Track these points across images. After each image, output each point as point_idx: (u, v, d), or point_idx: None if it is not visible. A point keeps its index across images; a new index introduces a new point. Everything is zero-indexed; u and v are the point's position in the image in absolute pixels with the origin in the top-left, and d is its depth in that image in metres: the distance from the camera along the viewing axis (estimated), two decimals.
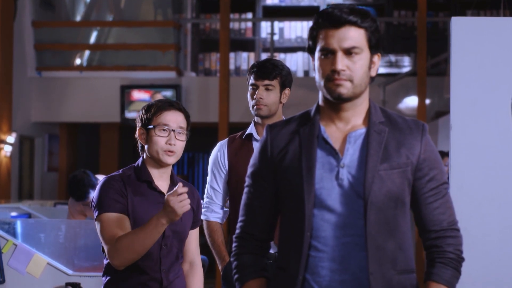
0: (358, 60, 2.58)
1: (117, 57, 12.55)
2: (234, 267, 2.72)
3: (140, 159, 3.60)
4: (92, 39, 13.02)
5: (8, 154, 11.48)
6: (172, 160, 3.53)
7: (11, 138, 11.42)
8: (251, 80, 4.23)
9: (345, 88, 2.57)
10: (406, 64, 12.82)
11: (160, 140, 3.49)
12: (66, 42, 12.65)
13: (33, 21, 12.36)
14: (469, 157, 3.93)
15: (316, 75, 2.63)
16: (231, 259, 2.74)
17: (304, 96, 10.38)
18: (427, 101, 11.01)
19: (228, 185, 4.30)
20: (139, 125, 3.56)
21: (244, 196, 2.76)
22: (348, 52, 2.57)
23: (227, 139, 4.36)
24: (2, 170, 11.37)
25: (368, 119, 2.65)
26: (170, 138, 3.50)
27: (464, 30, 3.96)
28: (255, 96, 4.20)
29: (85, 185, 6.14)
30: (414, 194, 2.65)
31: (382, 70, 12.71)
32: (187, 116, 3.60)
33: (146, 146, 3.55)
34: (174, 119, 3.53)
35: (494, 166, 3.92)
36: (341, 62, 2.56)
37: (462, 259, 2.66)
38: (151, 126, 3.50)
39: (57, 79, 12.25)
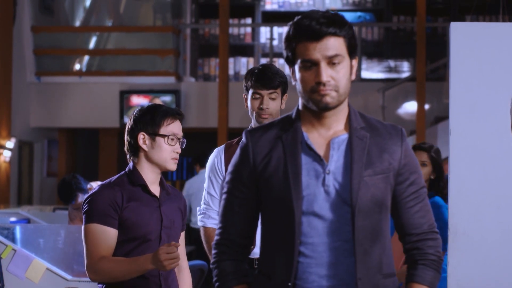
0: (341, 69, 2.59)
1: (116, 62, 12.55)
2: (215, 275, 2.69)
3: (131, 164, 3.62)
4: (92, 44, 13.02)
5: (7, 159, 11.47)
6: (175, 166, 3.65)
7: (10, 143, 11.42)
8: (254, 89, 4.20)
9: (331, 98, 2.58)
10: (405, 69, 12.83)
11: (170, 148, 3.58)
12: (65, 47, 12.65)
13: (32, 26, 12.37)
14: (468, 162, 3.93)
15: (298, 86, 2.62)
16: (211, 267, 2.72)
17: None
18: (426, 106, 11.01)
19: None
20: (141, 129, 3.57)
21: (223, 202, 2.73)
22: (331, 62, 2.58)
23: (223, 145, 4.34)
24: (1, 175, 11.36)
25: (349, 125, 2.65)
26: (177, 147, 3.60)
27: (464, 35, 3.96)
28: (262, 106, 4.18)
29: (73, 188, 6.19)
30: (394, 198, 2.67)
31: (381, 75, 12.71)
32: None
33: (146, 151, 3.57)
34: (179, 128, 3.63)
35: (493, 171, 3.92)
36: (325, 73, 2.56)
37: (442, 261, 2.71)
38: (162, 135, 3.56)
39: (56, 84, 12.25)
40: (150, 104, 3.70)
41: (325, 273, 2.59)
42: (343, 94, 2.60)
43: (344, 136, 2.64)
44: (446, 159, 7.56)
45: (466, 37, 3.96)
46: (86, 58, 12.89)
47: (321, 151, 2.62)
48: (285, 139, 2.65)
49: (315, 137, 2.64)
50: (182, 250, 3.75)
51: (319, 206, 2.59)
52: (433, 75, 12.23)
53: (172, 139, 3.58)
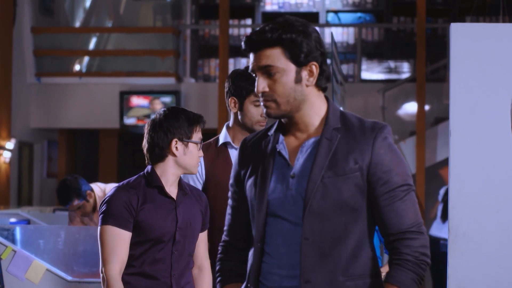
0: (279, 78, 2.63)
1: (116, 63, 12.55)
2: (217, 271, 2.85)
3: (150, 167, 3.67)
4: (91, 45, 13.03)
5: (7, 160, 11.47)
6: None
7: (10, 144, 11.42)
8: (256, 96, 4.15)
9: (271, 109, 2.66)
10: (405, 70, 12.83)
11: (198, 154, 3.71)
12: (65, 48, 12.65)
13: (32, 27, 12.37)
14: (468, 163, 3.93)
15: None
16: (216, 263, 2.88)
17: None
18: (427, 107, 11.01)
19: (206, 194, 4.21)
20: (175, 135, 3.66)
21: (228, 206, 2.88)
22: (267, 72, 2.63)
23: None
24: (1, 176, 11.36)
25: (323, 126, 2.68)
26: (201, 152, 3.75)
27: (464, 36, 3.96)
28: (264, 115, 4.14)
29: (70, 192, 6.15)
30: (372, 198, 2.65)
31: (381, 76, 12.71)
32: None
33: (177, 157, 3.66)
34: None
35: (493, 172, 3.92)
36: (261, 84, 2.64)
37: (423, 261, 2.64)
38: (195, 142, 3.68)
39: (56, 85, 12.25)
40: (174, 108, 3.75)
41: (286, 274, 2.63)
42: (284, 104, 2.65)
43: (316, 138, 2.67)
44: (446, 160, 7.57)
45: (466, 38, 3.95)
46: (86, 59, 12.90)
47: (292, 155, 2.69)
48: (263, 146, 2.75)
49: (291, 141, 2.71)
50: (203, 250, 3.78)
51: (283, 210, 2.65)
52: (433, 76, 12.23)
53: (197, 144, 3.70)
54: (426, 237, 2.69)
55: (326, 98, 2.75)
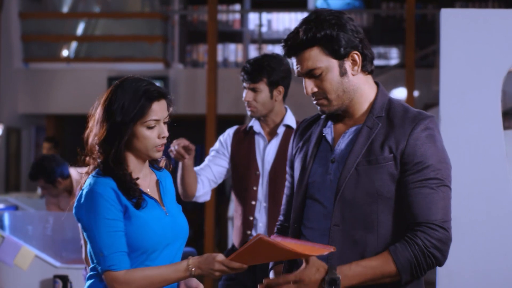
0: (325, 76, 2.65)
1: (104, 49, 12.50)
2: None
3: None
4: (79, 30, 12.96)
5: None
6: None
7: None
8: (242, 82, 4.30)
9: (324, 106, 2.69)
10: (394, 56, 12.81)
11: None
12: (53, 33, 12.59)
13: (20, 12, 12.29)
14: (458, 149, 3.92)
15: None
16: None
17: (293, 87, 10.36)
18: (416, 93, 11.01)
19: (232, 177, 4.40)
20: None
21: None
22: (312, 75, 2.65)
23: (236, 127, 4.45)
24: None
25: (368, 114, 2.70)
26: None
27: (454, 22, 3.95)
28: (243, 99, 4.26)
29: (40, 170, 6.01)
30: (400, 187, 2.63)
31: None
32: None
33: None
34: None
35: (483, 158, 3.92)
36: (309, 86, 2.67)
37: (431, 254, 2.57)
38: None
39: (44, 71, 12.19)
40: None
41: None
42: (336, 99, 2.67)
43: (359, 125, 2.70)
44: None
45: (456, 24, 3.95)
46: (74, 44, 12.83)
47: (336, 140, 2.73)
48: (314, 129, 2.81)
49: (339, 127, 2.75)
50: None
51: (320, 193, 2.68)
52: (422, 62, 12.23)
53: None
54: (449, 236, 2.60)
55: (376, 83, 2.76)
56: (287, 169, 2.91)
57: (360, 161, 2.61)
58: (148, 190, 2.86)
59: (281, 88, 4.29)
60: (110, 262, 2.69)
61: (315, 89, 2.65)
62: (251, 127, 4.37)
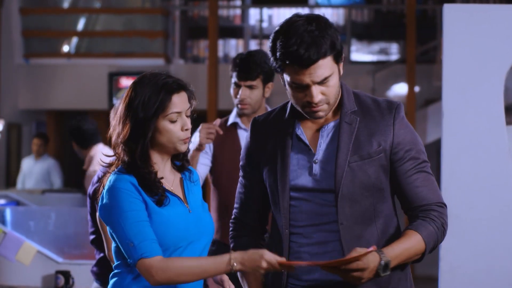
0: (331, 81, 2.62)
1: (105, 44, 12.49)
2: (232, 248, 2.84)
3: None
4: (80, 26, 12.95)
5: None
6: None
7: None
8: (234, 78, 4.23)
9: (324, 111, 2.65)
10: (395, 51, 12.81)
11: None
12: (54, 29, 12.58)
13: (20, 8, 12.28)
14: (460, 144, 3.93)
15: (289, 96, 2.67)
16: (230, 241, 2.87)
17: None
18: (416, 89, 11.00)
19: (212, 173, 4.29)
20: None
21: (238, 185, 2.87)
22: (323, 83, 2.61)
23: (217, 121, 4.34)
24: None
25: (341, 110, 2.69)
26: None
27: (457, 17, 3.95)
28: (238, 96, 4.21)
29: (75, 133, 5.92)
30: (395, 176, 2.68)
31: (371, 58, 12.70)
32: None
33: None
34: None
35: (485, 153, 3.92)
36: (317, 94, 2.61)
37: (444, 229, 2.68)
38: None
39: (44, 66, 12.18)
40: None
41: (316, 251, 2.66)
42: (334, 102, 2.66)
43: (335, 122, 2.69)
44: (436, 142, 7.58)
45: (459, 19, 3.95)
46: (74, 40, 12.83)
47: (311, 140, 2.69)
48: (279, 130, 2.73)
49: (308, 126, 2.71)
50: None
51: (308, 194, 2.66)
52: (423, 57, 12.22)
53: None
54: (446, 211, 2.72)
55: None
56: (245, 167, 2.82)
57: (351, 158, 2.62)
58: (172, 187, 2.84)
59: (270, 85, 4.27)
60: (141, 250, 2.64)
61: (321, 96, 2.62)
62: (236, 123, 4.32)
